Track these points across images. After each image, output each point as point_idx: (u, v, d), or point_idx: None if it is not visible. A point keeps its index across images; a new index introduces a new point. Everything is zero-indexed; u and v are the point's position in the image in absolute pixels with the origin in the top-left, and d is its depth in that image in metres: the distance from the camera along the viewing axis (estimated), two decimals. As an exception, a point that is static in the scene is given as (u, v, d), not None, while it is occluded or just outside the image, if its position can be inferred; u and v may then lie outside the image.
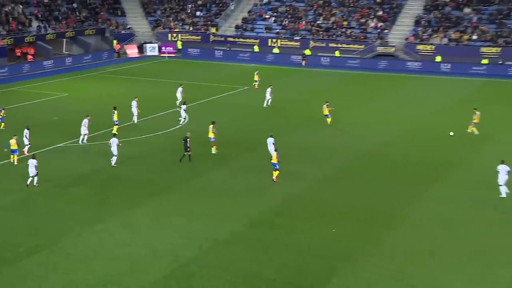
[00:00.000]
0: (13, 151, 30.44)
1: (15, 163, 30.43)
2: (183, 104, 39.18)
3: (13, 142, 30.43)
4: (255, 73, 50.21)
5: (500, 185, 26.59)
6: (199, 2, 75.08)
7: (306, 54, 63.80)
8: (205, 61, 64.72)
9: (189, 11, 74.05)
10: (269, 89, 43.66)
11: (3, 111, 37.22)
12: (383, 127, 38.27)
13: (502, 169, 26.58)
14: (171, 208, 25.57)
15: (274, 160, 29.09)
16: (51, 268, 20.39)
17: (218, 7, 74.10)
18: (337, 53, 64.47)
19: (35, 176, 27.53)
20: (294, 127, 37.66)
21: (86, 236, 22.71)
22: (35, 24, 63.18)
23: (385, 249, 21.99)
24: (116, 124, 35.91)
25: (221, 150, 33.30)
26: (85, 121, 34.17)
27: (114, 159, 30.60)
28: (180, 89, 43.57)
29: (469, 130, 36.34)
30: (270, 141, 32.30)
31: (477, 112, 36.48)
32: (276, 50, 66.79)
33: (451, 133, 36.06)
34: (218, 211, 25.27)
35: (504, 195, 26.53)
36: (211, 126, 32.96)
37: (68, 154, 32.67)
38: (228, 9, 73.11)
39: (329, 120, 38.14)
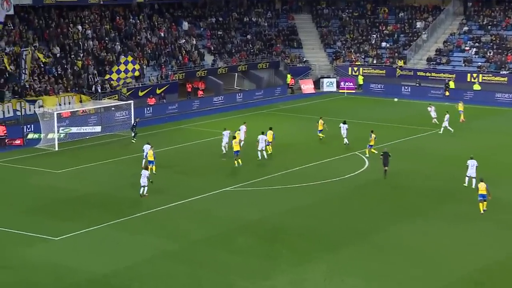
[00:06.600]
0: (150, 162, 36.67)
1: (154, 172, 36.14)
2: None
3: (150, 153, 36.96)
4: (460, 104, 52.52)
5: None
6: (385, 32, 75.18)
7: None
8: (389, 99, 64.29)
9: (373, 41, 74.37)
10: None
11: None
12: None
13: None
14: (346, 266, 25.47)
15: (483, 191, 28.60)
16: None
17: (408, 37, 73.55)
18: (556, 90, 60.92)
19: (146, 186, 32.97)
20: (497, 178, 35.77)
21: (251, 292, 23.29)
22: (207, 57, 67.34)
23: None
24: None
25: (409, 200, 32.87)
26: (243, 127, 43.07)
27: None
28: (429, 108, 51.32)
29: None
30: (472, 163, 33.35)
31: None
32: (476, 87, 64.54)
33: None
34: (401, 273, 24.71)
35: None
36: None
37: (235, 199, 34.01)
38: (419, 39, 72.28)
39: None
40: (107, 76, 54.53)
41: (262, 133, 41.34)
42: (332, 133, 45.21)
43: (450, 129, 47.81)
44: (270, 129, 42.63)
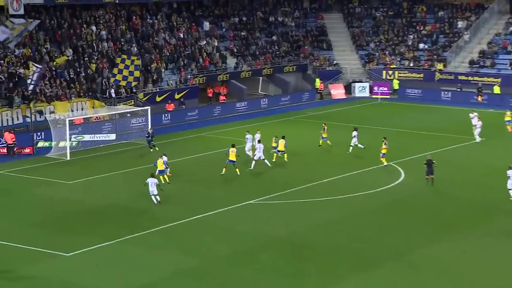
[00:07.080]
0: (161, 172, 37.39)
1: (168, 181, 37.49)
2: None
3: (160, 162, 37.52)
4: (507, 112, 52.24)
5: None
6: (423, 32, 74.96)
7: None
8: (427, 105, 64.12)
9: (410, 43, 74.19)
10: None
11: None
12: None
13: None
14: (379, 287, 25.44)
15: None
16: None
17: (448, 37, 73.27)
18: None
19: (157, 194, 34.08)
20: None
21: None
22: (229, 60, 67.65)
23: None
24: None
25: (449, 214, 32.76)
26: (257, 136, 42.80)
27: None
28: (472, 115, 50.19)
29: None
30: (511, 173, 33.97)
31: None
32: (524, 92, 64.26)
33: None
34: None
35: None
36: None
37: (260, 212, 34.13)
38: (461, 40, 71.99)
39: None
40: (112, 80, 54.66)
41: (259, 142, 41.72)
42: (364, 142, 45.11)
43: (477, 138, 47.90)
44: (283, 137, 43.02)
